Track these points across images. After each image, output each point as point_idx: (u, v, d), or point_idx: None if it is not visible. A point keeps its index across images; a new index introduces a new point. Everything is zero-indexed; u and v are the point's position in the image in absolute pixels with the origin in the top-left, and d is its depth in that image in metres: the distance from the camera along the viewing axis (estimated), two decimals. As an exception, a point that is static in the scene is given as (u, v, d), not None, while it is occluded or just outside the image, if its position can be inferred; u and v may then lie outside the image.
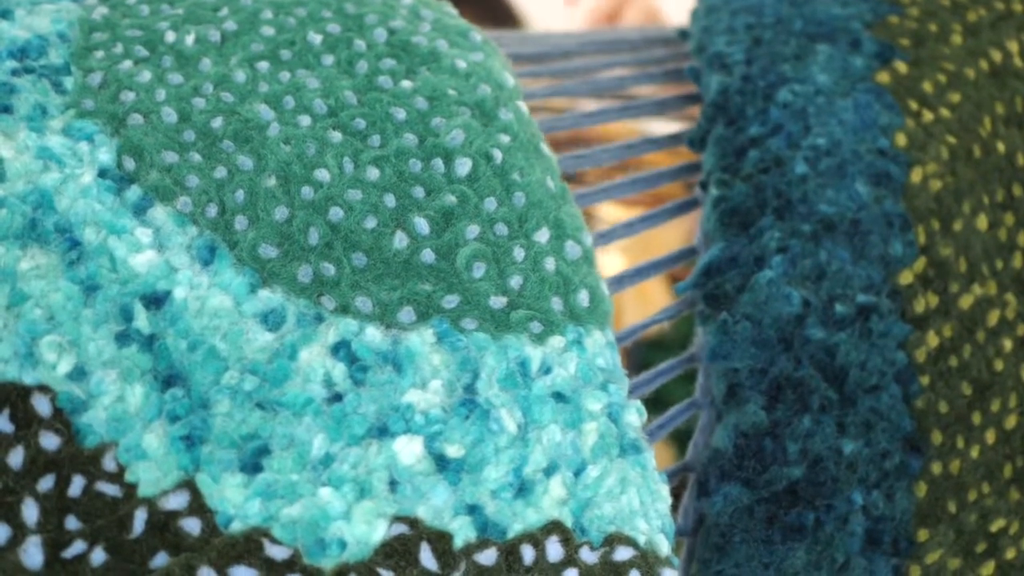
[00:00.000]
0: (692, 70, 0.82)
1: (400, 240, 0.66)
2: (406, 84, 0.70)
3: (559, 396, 0.65)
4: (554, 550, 0.64)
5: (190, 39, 0.70)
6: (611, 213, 1.15)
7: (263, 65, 0.70)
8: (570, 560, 0.64)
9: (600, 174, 0.96)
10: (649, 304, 1.05)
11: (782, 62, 0.79)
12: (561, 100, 0.92)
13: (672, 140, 0.81)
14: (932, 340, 0.73)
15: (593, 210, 1.05)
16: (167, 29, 0.70)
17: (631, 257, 1.14)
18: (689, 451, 0.74)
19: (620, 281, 0.77)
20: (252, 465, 0.62)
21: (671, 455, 1.09)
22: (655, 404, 0.78)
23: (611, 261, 1.18)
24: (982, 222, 0.76)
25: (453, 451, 0.63)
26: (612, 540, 0.65)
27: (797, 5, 0.82)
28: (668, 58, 0.87)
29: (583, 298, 0.67)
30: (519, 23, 1.95)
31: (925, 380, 0.73)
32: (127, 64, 0.69)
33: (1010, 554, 0.74)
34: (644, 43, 0.88)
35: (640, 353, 1.14)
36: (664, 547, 0.66)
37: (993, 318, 0.75)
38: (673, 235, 0.86)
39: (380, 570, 0.62)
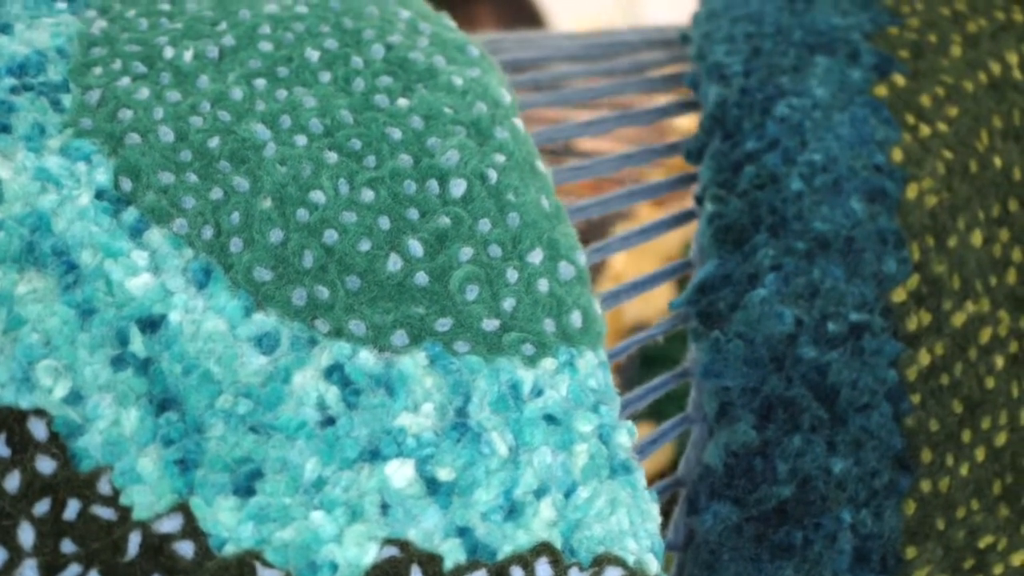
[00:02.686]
0: (691, 78, 0.81)
1: (394, 263, 0.66)
2: (402, 103, 0.70)
3: (550, 418, 0.66)
4: (543, 571, 0.64)
5: (188, 55, 0.70)
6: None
7: (260, 82, 0.70)
8: (559, 581, 0.64)
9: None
10: (651, 301, 1.06)
11: (780, 74, 0.78)
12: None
13: (670, 150, 0.81)
14: (924, 358, 0.74)
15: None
16: (166, 45, 0.70)
17: (634, 251, 1.14)
18: (681, 466, 0.75)
19: (616, 296, 0.77)
20: (245, 488, 0.63)
21: (672, 455, 1.10)
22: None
23: (614, 258, 1.18)
24: (977, 238, 0.76)
25: (444, 474, 0.64)
26: (601, 560, 0.65)
27: (797, 14, 0.82)
28: (668, 62, 0.87)
29: (576, 319, 0.68)
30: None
31: (916, 399, 0.73)
32: (125, 81, 0.69)
33: (998, 570, 0.75)
34: (644, 45, 0.88)
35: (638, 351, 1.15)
36: (653, 567, 0.66)
37: (985, 335, 0.75)
38: (679, 231, 0.86)
39: (371, 590, 0.63)
